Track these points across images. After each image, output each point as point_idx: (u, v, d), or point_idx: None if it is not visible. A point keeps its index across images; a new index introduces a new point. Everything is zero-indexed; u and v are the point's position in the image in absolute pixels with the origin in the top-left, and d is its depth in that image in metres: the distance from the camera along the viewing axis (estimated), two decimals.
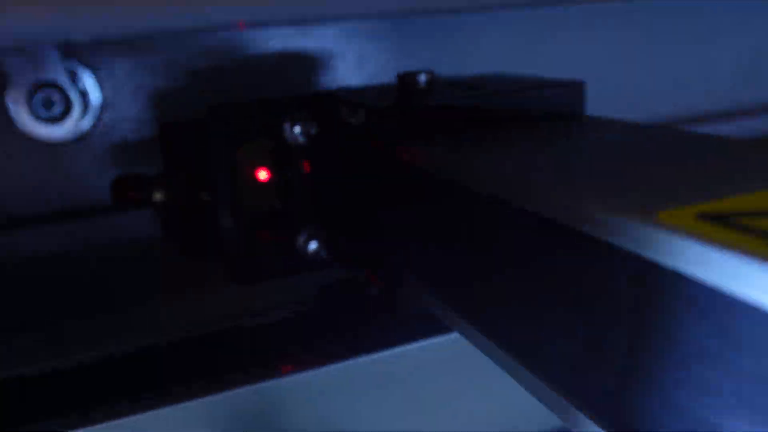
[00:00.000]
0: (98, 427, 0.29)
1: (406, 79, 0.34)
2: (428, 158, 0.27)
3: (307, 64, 0.54)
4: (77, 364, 0.33)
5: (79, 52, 0.47)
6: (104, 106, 0.48)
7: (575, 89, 0.33)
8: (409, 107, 0.30)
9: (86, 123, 0.47)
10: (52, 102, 0.43)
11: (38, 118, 0.43)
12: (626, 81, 0.63)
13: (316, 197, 0.38)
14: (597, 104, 0.36)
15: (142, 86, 0.49)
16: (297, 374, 0.31)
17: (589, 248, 0.18)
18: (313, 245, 0.38)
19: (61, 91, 0.42)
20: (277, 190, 0.44)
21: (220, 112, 0.35)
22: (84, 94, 0.46)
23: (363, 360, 0.31)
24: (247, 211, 0.39)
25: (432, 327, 0.33)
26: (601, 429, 0.19)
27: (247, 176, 0.41)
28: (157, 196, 0.39)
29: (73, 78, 0.46)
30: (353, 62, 0.55)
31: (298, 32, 0.52)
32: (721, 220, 0.15)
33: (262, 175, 0.43)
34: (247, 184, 0.40)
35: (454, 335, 0.32)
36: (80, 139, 0.48)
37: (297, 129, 0.36)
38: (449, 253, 0.28)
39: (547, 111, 0.32)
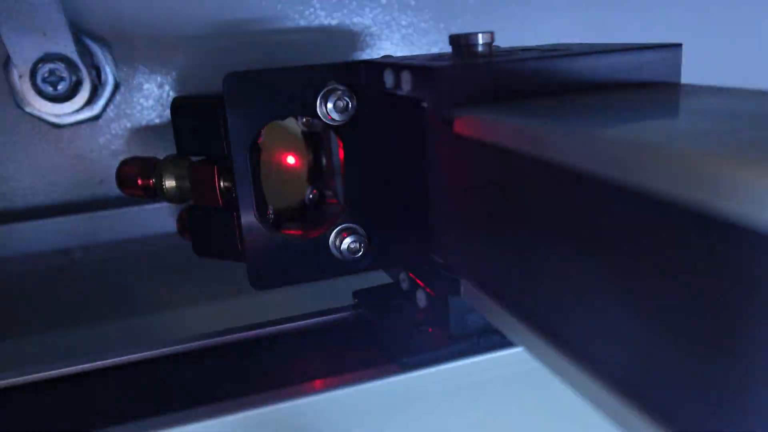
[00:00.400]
0: None
1: (461, 41, 0.28)
2: (499, 130, 0.21)
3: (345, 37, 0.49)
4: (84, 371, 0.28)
5: (91, 22, 0.42)
6: (119, 84, 0.43)
7: (672, 53, 0.27)
8: (471, 66, 0.24)
9: (98, 103, 0.42)
10: (60, 78, 0.38)
11: (42, 95, 0.38)
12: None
13: (353, 185, 0.32)
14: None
15: (162, 62, 0.45)
16: (330, 391, 0.25)
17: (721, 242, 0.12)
18: (348, 243, 0.32)
19: (70, 65, 0.37)
20: (307, 177, 0.39)
21: (238, 82, 0.29)
22: (97, 70, 0.41)
23: (407, 377, 0.26)
24: (271, 203, 0.34)
25: (490, 341, 0.27)
26: None
27: (271, 161, 0.36)
28: (168, 183, 0.34)
29: (85, 52, 0.41)
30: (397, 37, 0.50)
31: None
32: None
33: (290, 159, 0.38)
34: (270, 170, 0.35)
35: (516, 351, 0.27)
36: (91, 121, 0.44)
37: (331, 103, 0.30)
38: (521, 254, 0.22)
39: (637, 76, 0.26)
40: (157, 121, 0.45)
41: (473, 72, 0.24)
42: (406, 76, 0.26)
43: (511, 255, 0.23)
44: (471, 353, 0.27)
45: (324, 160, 0.38)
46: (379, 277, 0.34)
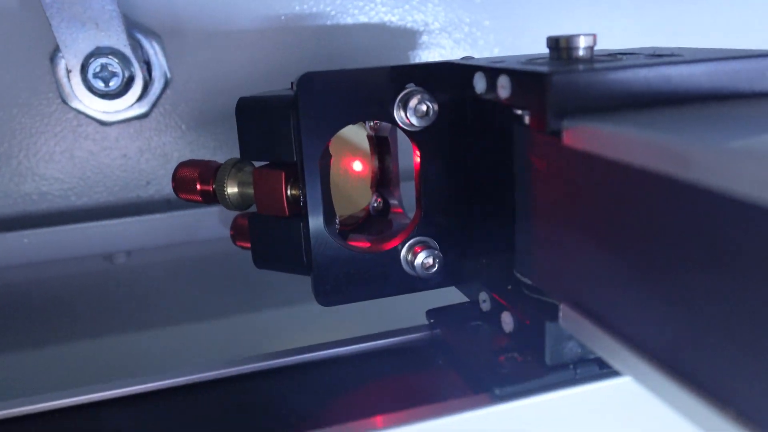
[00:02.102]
0: None
1: (561, 44, 0.26)
2: (626, 144, 0.20)
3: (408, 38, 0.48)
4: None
5: (141, 14, 0.42)
6: (170, 80, 0.43)
7: None
8: (583, 72, 0.22)
9: (148, 100, 0.42)
10: (112, 73, 0.37)
11: (93, 91, 0.38)
12: None
13: (429, 196, 0.31)
14: None
15: (215, 58, 0.44)
16: (412, 424, 0.24)
17: None
18: (422, 258, 0.31)
19: (123, 60, 0.37)
20: (378, 185, 0.38)
21: (313, 82, 0.29)
22: (148, 65, 0.41)
23: (499, 410, 0.24)
24: (337, 212, 0.33)
25: (588, 371, 0.25)
26: None
27: (337, 166, 0.35)
28: (231, 190, 0.33)
29: (137, 47, 0.40)
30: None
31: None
32: None
33: (356, 166, 0.37)
34: (336, 175, 0.34)
35: (618, 381, 0.25)
36: (139, 118, 0.43)
37: (412, 107, 0.29)
38: (635, 277, 0.21)
39: (762, 86, 0.24)
40: (209, 120, 0.44)
41: (585, 79, 0.23)
42: (503, 82, 0.25)
43: (624, 278, 0.22)
44: (568, 384, 0.25)
45: (390, 166, 0.38)
46: (438, 294, 0.33)
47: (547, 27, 0.50)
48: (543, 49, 0.28)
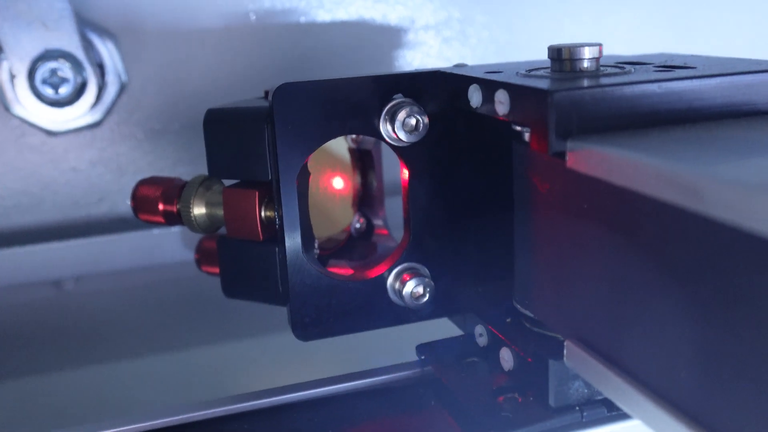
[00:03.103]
0: None
1: (564, 56, 0.27)
2: (633, 171, 0.21)
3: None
4: None
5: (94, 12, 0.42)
6: (126, 85, 0.43)
7: None
8: (591, 89, 0.23)
9: (101, 107, 0.42)
10: (62, 79, 0.38)
11: (41, 98, 0.38)
12: None
13: (418, 218, 0.32)
14: None
15: (176, 61, 0.44)
16: None
17: None
18: (412, 287, 0.32)
19: (75, 64, 0.37)
20: (360, 204, 0.38)
21: (290, 94, 0.29)
22: (101, 69, 0.41)
23: None
24: (315, 235, 0.33)
25: (595, 414, 0.26)
26: None
27: (315, 183, 0.36)
28: (198, 211, 0.33)
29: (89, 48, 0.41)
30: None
31: None
32: None
33: (337, 183, 0.37)
34: (315, 194, 0.35)
35: (627, 425, 0.26)
36: (91, 128, 0.43)
37: (399, 121, 0.30)
38: (650, 312, 0.22)
39: None
40: (169, 129, 0.45)
41: (591, 96, 0.24)
42: (502, 96, 0.26)
43: (634, 312, 0.23)
44: (574, 428, 0.26)
45: (373, 182, 0.38)
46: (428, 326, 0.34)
47: (546, 22, 0.52)
48: (541, 47, 0.29)
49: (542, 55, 0.33)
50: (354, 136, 0.37)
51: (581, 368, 0.25)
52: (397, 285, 0.32)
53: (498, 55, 0.51)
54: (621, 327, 0.23)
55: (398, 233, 0.35)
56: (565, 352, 0.26)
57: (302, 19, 0.46)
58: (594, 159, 0.23)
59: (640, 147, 0.22)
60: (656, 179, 0.20)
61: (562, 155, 0.24)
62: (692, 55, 0.32)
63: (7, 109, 0.41)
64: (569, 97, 0.23)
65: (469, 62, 0.34)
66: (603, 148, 0.22)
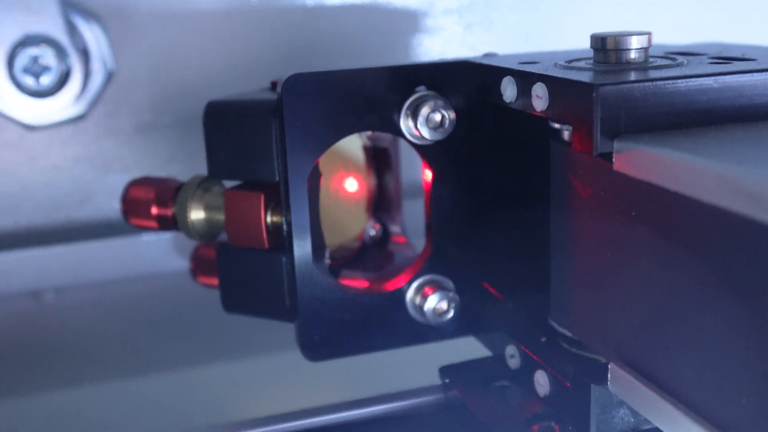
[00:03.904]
0: None
1: (609, 45, 0.28)
2: (693, 176, 0.21)
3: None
4: None
5: None
6: (113, 73, 0.44)
7: None
8: (643, 83, 0.24)
9: (86, 98, 0.43)
10: (44, 67, 0.38)
11: (21, 88, 0.39)
12: None
13: (442, 225, 0.32)
14: None
15: (170, 46, 0.45)
16: None
17: None
18: (434, 302, 0.32)
19: (58, 50, 0.37)
20: (375, 208, 0.39)
21: (301, 86, 0.29)
22: (86, 55, 0.41)
23: None
24: (326, 243, 0.34)
25: None
26: None
27: (326, 186, 0.36)
28: (195, 215, 0.34)
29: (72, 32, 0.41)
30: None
31: None
32: None
33: (350, 185, 0.38)
34: (326, 198, 0.35)
35: None
36: (74, 121, 0.44)
37: (422, 116, 0.30)
38: (695, 329, 0.22)
39: None
40: (161, 122, 0.45)
41: (642, 91, 0.24)
42: (540, 90, 0.26)
43: (688, 331, 0.23)
44: None
45: (390, 184, 0.39)
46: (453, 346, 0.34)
47: (580, 4, 0.52)
48: (575, 33, 0.29)
49: (576, 43, 0.33)
50: (370, 132, 0.37)
51: (627, 394, 0.25)
52: (417, 299, 0.32)
53: (527, 43, 0.52)
54: (672, 348, 0.23)
55: (418, 241, 0.35)
56: (608, 375, 0.26)
57: (309, 2, 0.46)
58: (645, 161, 0.23)
59: (697, 148, 0.22)
60: (717, 185, 0.20)
61: (608, 157, 0.24)
62: (750, 45, 0.32)
63: None
64: (617, 92, 0.23)
65: (495, 50, 0.34)
66: (655, 149, 0.22)
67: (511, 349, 0.31)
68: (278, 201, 0.32)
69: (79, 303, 0.45)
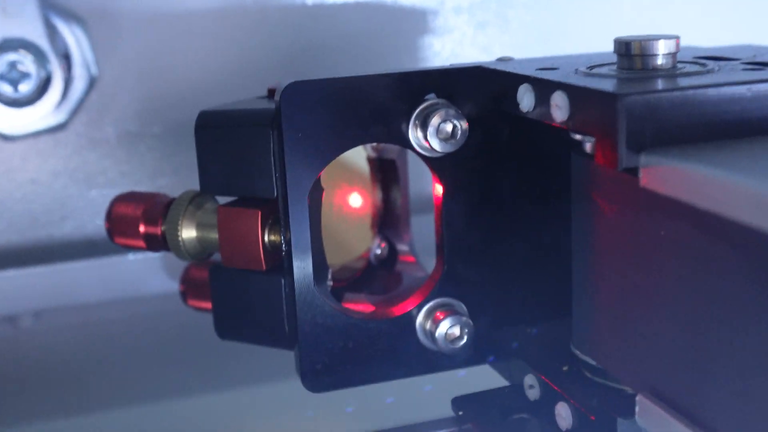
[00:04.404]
0: None
1: (634, 50, 0.28)
2: (714, 191, 0.21)
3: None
4: None
5: None
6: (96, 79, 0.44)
7: None
8: (672, 93, 0.24)
9: (66, 106, 0.43)
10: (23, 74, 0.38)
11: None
12: None
13: (453, 244, 0.33)
14: None
15: (157, 50, 0.45)
16: None
17: None
18: (447, 328, 0.32)
19: (38, 55, 0.38)
20: (381, 225, 0.39)
21: (302, 95, 0.30)
22: (67, 60, 0.42)
23: None
24: (329, 263, 0.34)
25: None
26: None
27: (328, 201, 0.36)
28: (187, 234, 0.34)
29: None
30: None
31: None
32: None
33: (353, 200, 0.38)
34: (327, 215, 0.35)
35: None
36: (54, 131, 0.44)
37: (434, 126, 0.30)
38: (730, 359, 0.22)
39: None
40: (148, 132, 0.45)
41: (671, 101, 0.24)
42: (560, 100, 0.27)
43: (724, 361, 0.23)
44: None
45: (397, 199, 0.39)
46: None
47: (601, 3, 0.52)
48: (596, 34, 0.30)
49: (597, 44, 0.34)
50: (375, 144, 0.37)
51: (657, 429, 0.26)
52: (428, 325, 0.32)
53: (543, 45, 0.52)
54: (707, 379, 0.24)
55: (428, 261, 0.35)
56: (636, 408, 0.26)
57: (308, 2, 0.47)
58: (674, 177, 0.23)
59: (731, 163, 0.22)
60: (753, 203, 0.20)
61: (634, 171, 0.24)
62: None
63: None
64: (643, 102, 0.24)
65: (509, 52, 0.35)
66: (685, 164, 0.23)
67: (530, 379, 0.31)
68: (276, 218, 0.32)
69: (59, 328, 0.45)
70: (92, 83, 0.44)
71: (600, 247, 0.28)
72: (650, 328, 0.26)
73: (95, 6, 0.44)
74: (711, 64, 0.29)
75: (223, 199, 0.34)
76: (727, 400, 0.23)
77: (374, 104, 0.31)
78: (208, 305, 0.35)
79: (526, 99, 0.29)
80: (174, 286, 0.40)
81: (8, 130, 0.42)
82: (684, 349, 0.24)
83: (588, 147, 0.27)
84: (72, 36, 0.42)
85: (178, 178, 0.46)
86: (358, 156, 0.38)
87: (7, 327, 0.44)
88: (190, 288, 0.38)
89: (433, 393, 0.34)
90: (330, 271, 0.34)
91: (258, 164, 0.32)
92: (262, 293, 0.33)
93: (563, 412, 0.29)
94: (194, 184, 0.34)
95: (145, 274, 0.45)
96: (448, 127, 0.31)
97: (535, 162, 0.33)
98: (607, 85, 0.25)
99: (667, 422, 0.25)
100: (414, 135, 0.31)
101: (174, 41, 0.45)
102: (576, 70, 0.29)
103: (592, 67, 0.29)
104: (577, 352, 0.30)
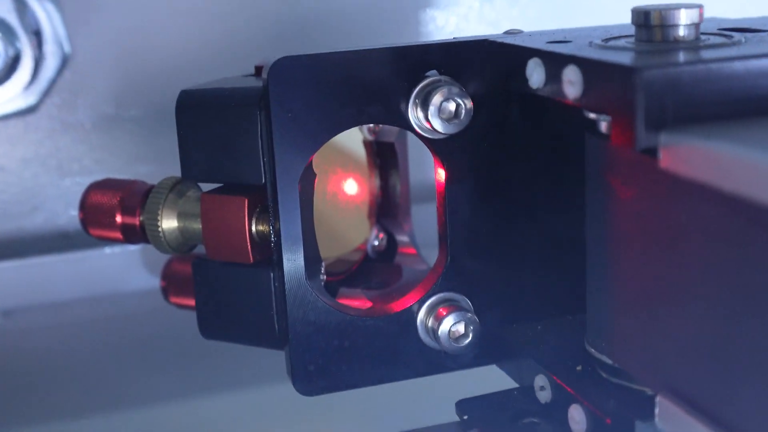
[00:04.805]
0: None
1: (653, 21, 0.28)
2: (740, 171, 0.21)
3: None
4: None
5: None
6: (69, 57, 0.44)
7: None
8: (694, 66, 0.24)
9: (37, 86, 0.43)
10: None
11: None
12: None
13: (457, 234, 0.32)
14: None
15: (136, 26, 0.45)
16: None
17: None
18: (450, 325, 0.32)
19: (6, 31, 0.38)
20: (379, 214, 0.39)
21: (291, 71, 0.30)
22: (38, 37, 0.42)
23: None
24: (322, 255, 0.34)
25: None
26: None
27: (321, 189, 0.36)
28: (167, 224, 0.34)
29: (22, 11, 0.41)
30: None
31: None
32: None
33: (349, 187, 0.38)
34: (320, 203, 0.35)
35: None
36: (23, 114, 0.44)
37: (435, 105, 0.30)
38: (757, 356, 0.22)
39: None
40: (126, 116, 0.45)
41: (693, 75, 0.24)
42: (572, 75, 0.26)
43: (753, 360, 0.23)
44: None
45: (396, 186, 0.39)
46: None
47: None
48: (613, 6, 0.29)
49: (616, 18, 0.33)
50: (372, 125, 0.37)
51: (678, 431, 0.26)
52: (430, 322, 0.32)
53: (555, 18, 0.52)
54: (733, 378, 0.24)
55: (430, 253, 0.35)
56: (656, 410, 0.26)
57: None
58: (697, 157, 0.23)
59: (759, 141, 0.22)
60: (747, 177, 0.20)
61: (653, 152, 0.24)
62: None
63: None
64: (663, 77, 0.23)
65: (519, 26, 0.35)
66: (709, 143, 0.22)
67: (540, 380, 0.31)
68: (265, 207, 0.32)
69: (31, 328, 0.45)
70: (65, 62, 0.44)
71: (617, 235, 0.27)
72: (671, 324, 0.25)
73: None
74: (737, 35, 0.29)
75: (206, 187, 0.34)
76: (757, 403, 0.23)
77: (370, 82, 0.30)
78: (192, 302, 0.35)
79: (535, 75, 0.29)
80: (154, 281, 0.40)
81: None
82: (709, 346, 0.24)
83: (603, 126, 0.27)
84: (43, 11, 0.42)
85: (159, 164, 0.46)
86: (354, 139, 0.38)
87: None
88: (171, 283, 0.38)
89: (435, 395, 0.34)
90: (323, 264, 0.34)
91: (244, 148, 0.31)
92: (250, 288, 0.33)
93: (577, 416, 0.29)
94: (177, 171, 0.34)
95: (123, 268, 0.45)
96: (451, 106, 0.31)
97: (545, 144, 0.32)
98: (624, 58, 0.25)
99: (690, 425, 0.25)
100: (414, 115, 0.31)
101: (154, 15, 0.45)
102: (590, 42, 0.29)
103: (607, 40, 0.29)
104: (592, 351, 0.29)
